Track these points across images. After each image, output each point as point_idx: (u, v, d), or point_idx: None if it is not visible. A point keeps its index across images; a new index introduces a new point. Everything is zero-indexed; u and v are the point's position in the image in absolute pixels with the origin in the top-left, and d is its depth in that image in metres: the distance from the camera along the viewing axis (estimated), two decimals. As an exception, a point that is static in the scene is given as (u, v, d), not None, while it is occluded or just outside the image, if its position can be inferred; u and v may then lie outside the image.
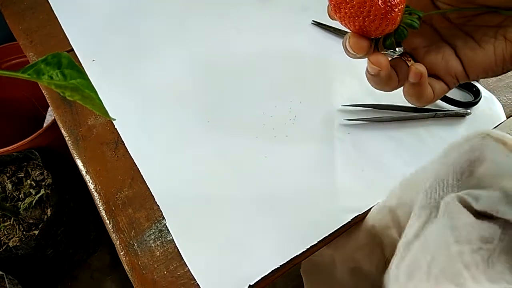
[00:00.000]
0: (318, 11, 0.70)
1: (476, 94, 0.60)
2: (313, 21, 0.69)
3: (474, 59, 0.35)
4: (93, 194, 0.50)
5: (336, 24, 0.67)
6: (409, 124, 0.58)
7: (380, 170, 0.53)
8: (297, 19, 0.69)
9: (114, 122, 0.56)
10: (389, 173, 0.53)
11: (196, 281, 0.44)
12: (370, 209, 0.50)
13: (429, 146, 0.56)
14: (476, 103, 0.60)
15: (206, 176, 0.51)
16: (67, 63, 0.22)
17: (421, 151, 0.55)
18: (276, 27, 0.68)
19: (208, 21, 0.68)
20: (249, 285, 0.44)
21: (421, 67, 0.34)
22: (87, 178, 0.52)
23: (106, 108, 0.26)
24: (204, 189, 0.50)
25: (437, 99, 0.38)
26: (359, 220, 0.49)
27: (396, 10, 0.30)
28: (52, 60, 0.21)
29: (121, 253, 0.46)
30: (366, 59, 0.35)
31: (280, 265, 0.45)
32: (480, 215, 0.37)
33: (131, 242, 0.47)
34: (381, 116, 0.57)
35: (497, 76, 0.37)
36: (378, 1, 0.30)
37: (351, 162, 0.53)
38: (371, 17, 0.30)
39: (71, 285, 1.20)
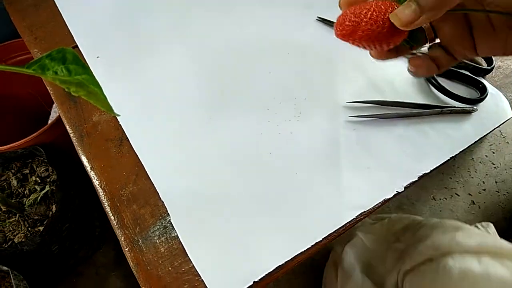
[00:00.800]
0: (323, 8, 0.70)
1: (483, 90, 0.60)
2: (317, 17, 0.69)
3: (486, 42, 0.38)
4: (98, 190, 0.50)
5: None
6: (415, 120, 0.57)
7: (385, 167, 0.53)
8: (302, 16, 0.69)
9: (118, 118, 0.56)
10: (394, 170, 0.53)
11: (200, 277, 0.44)
12: (376, 206, 0.50)
13: (435, 143, 0.55)
14: (482, 99, 0.59)
15: (211, 172, 0.51)
16: (72, 58, 0.22)
17: (427, 148, 0.55)
18: (280, 23, 0.68)
19: (211, 18, 0.68)
20: (254, 282, 0.44)
21: (417, 61, 0.40)
22: (92, 174, 0.52)
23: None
24: (208, 185, 0.50)
25: (443, 71, 0.41)
26: (363, 217, 0.49)
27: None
28: (57, 55, 0.21)
29: (126, 249, 0.46)
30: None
31: (285, 262, 0.44)
32: None
33: (135, 238, 0.47)
34: (387, 113, 0.57)
35: (507, 56, 0.38)
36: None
37: (356, 159, 0.53)
38: (377, 45, 0.37)
39: (76, 281, 1.21)
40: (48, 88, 0.59)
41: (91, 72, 0.23)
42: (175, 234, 0.47)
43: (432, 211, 1.39)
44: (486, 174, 1.48)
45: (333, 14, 0.68)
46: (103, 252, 1.25)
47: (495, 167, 1.50)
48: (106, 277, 1.22)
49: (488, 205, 1.41)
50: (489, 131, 0.58)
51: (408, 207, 1.39)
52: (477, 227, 0.79)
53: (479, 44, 0.38)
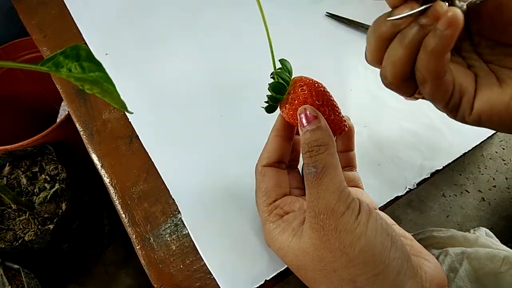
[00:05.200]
0: (332, 3, 0.69)
1: None
2: (327, 12, 0.68)
3: (489, 95, 0.32)
4: (108, 188, 0.50)
5: (351, 16, 0.66)
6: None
7: (397, 164, 0.52)
8: (311, 11, 0.69)
9: (128, 116, 0.56)
10: (406, 167, 0.52)
11: (212, 275, 0.44)
12: (387, 203, 0.49)
13: (447, 139, 0.55)
14: None
15: (222, 170, 0.51)
16: (86, 55, 0.21)
17: (438, 144, 0.54)
18: (289, 19, 0.67)
19: (220, 14, 0.67)
20: (265, 280, 0.43)
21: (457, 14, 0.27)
22: (102, 172, 0.51)
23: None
24: (219, 183, 0.50)
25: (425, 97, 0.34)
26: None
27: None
28: (71, 52, 0.21)
29: (137, 247, 0.46)
30: None
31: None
32: None
33: (147, 236, 0.46)
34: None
35: (500, 122, 0.32)
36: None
37: (367, 156, 0.53)
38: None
39: (86, 279, 1.21)
40: (57, 86, 0.59)
41: (105, 70, 0.23)
42: (186, 232, 0.47)
43: (441, 208, 1.38)
44: (497, 171, 1.47)
45: (343, 10, 0.68)
46: (113, 250, 1.25)
47: (505, 164, 1.49)
48: (116, 275, 1.22)
49: (499, 202, 1.39)
50: (501, 127, 0.57)
51: (418, 204, 1.38)
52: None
53: (479, 97, 0.32)
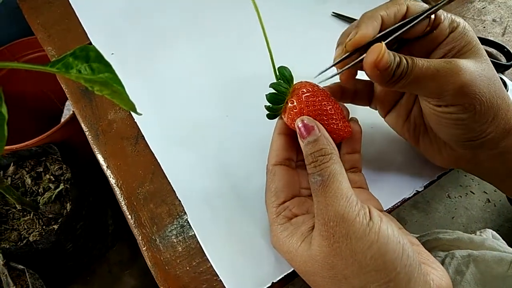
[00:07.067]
0: (338, 2, 0.69)
1: (508, 56, 0.57)
2: (333, 12, 0.67)
3: (394, 120, 0.49)
4: (114, 189, 0.50)
5: (357, 15, 0.66)
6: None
7: (405, 166, 0.52)
8: (317, 11, 0.68)
9: (134, 116, 0.55)
10: (414, 169, 0.51)
11: (218, 277, 0.43)
12: (394, 205, 0.49)
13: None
14: (509, 67, 0.56)
15: (228, 170, 0.51)
16: (95, 56, 0.21)
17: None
18: (294, 19, 0.67)
19: (226, 13, 0.67)
20: (272, 282, 0.43)
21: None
22: (108, 173, 0.51)
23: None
24: (226, 184, 0.50)
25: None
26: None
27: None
28: (80, 53, 0.21)
29: (143, 249, 0.46)
30: None
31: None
32: None
33: (153, 237, 0.46)
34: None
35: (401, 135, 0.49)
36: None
37: (375, 158, 0.52)
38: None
39: (90, 279, 1.21)
40: (62, 85, 0.59)
41: (114, 71, 0.22)
42: (193, 233, 0.46)
43: (447, 209, 1.37)
44: (502, 171, 1.46)
45: (349, 9, 0.68)
46: (117, 250, 1.25)
47: (510, 164, 1.48)
48: (120, 276, 1.22)
49: (504, 203, 1.38)
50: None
51: (423, 205, 1.37)
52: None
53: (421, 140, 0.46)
